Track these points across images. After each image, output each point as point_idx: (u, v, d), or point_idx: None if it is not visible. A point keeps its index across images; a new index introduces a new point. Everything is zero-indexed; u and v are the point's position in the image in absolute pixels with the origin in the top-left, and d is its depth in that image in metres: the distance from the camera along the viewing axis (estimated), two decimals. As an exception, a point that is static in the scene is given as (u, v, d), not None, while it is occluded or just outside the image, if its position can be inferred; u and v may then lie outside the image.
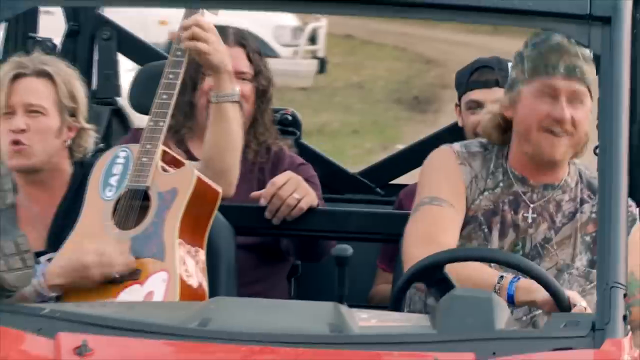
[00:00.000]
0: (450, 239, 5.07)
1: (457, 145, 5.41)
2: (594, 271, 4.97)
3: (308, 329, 4.43)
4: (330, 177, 6.21)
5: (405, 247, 5.19)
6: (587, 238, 5.12)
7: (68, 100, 5.17)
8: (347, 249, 5.08)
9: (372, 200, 6.51)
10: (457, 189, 5.15)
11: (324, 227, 5.83)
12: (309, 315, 4.61)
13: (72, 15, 6.38)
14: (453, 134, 6.87)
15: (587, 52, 5.03)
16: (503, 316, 4.50)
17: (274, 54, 25.17)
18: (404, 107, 28.29)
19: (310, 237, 5.98)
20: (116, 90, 6.15)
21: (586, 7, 4.62)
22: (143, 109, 6.18)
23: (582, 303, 4.84)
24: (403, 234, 5.34)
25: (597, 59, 4.78)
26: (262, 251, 5.95)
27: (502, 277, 4.90)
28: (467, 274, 4.88)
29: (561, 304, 4.77)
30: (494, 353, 4.27)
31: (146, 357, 4.28)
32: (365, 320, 4.64)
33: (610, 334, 4.34)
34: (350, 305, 5.17)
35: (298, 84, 26.03)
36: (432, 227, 5.11)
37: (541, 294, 4.85)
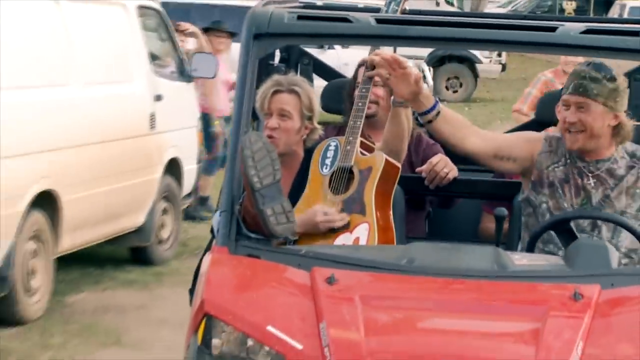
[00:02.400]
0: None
1: (552, 130, 5.90)
2: None
3: (482, 266, 4.92)
4: (446, 153, 6.47)
5: None
6: (638, 191, 5.41)
7: (307, 110, 5.71)
8: (504, 210, 5.57)
9: (476, 170, 6.69)
10: (529, 142, 5.69)
11: (458, 189, 6.22)
12: (480, 256, 5.10)
13: (284, 48, 6.81)
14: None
15: (601, 75, 5.37)
16: (615, 258, 4.94)
17: (479, 61, 32.26)
18: (550, 91, 32.40)
19: (450, 195, 6.39)
20: None
21: None
22: (329, 109, 6.86)
23: None
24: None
25: None
26: (412, 203, 6.32)
27: None
28: None
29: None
30: (612, 284, 4.74)
31: (374, 284, 4.83)
32: (518, 260, 4.99)
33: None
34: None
35: (491, 77, 34.73)
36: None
37: None
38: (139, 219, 10.94)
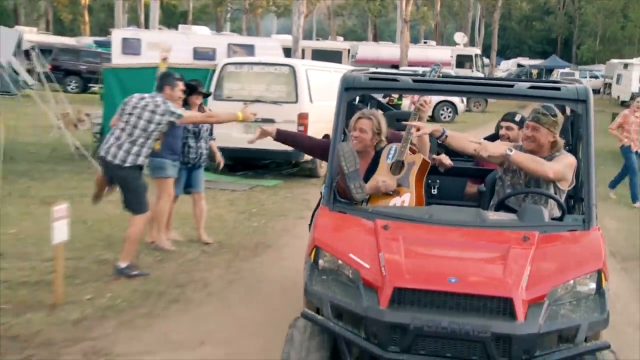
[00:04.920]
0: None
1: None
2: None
3: (471, 219, 4.22)
4: (446, 151, 5.43)
5: None
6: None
7: (377, 128, 4.94)
8: (483, 186, 4.87)
9: (463, 160, 5.72)
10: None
11: (455, 172, 5.27)
12: (469, 214, 4.36)
13: (361, 95, 5.93)
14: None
15: (549, 113, 4.53)
16: (546, 216, 4.21)
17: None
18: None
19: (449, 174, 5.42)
20: None
21: (576, 95, 4.32)
22: None
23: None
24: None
25: (579, 116, 4.41)
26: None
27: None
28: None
29: (561, 206, 4.38)
30: (545, 231, 4.08)
31: (410, 230, 4.09)
32: (492, 216, 4.30)
33: (592, 224, 4.15)
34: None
35: (492, 102, 31.68)
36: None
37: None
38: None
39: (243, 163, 13.32)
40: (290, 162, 13.22)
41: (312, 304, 3.90)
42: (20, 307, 5.83)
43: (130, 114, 6.64)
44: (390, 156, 4.87)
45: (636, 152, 12.12)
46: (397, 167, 4.81)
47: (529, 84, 4.54)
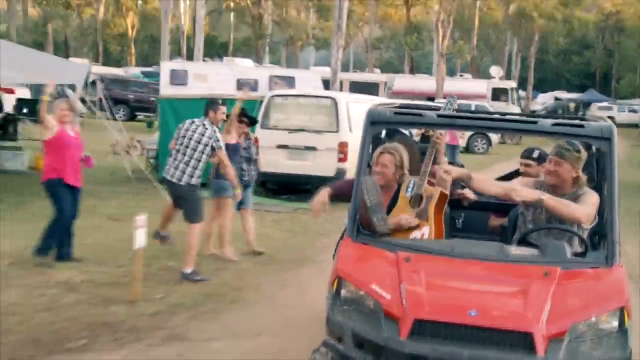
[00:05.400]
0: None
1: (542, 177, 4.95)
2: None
3: (493, 253, 4.17)
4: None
5: None
6: None
7: (399, 163, 4.86)
8: (506, 222, 4.82)
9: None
10: (527, 185, 4.58)
11: (478, 206, 5.16)
12: (492, 247, 4.30)
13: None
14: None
15: (572, 148, 4.44)
16: (568, 252, 4.17)
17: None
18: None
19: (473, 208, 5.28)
20: None
21: (600, 133, 4.24)
22: None
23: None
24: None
25: (604, 154, 4.33)
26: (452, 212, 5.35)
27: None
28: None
29: (584, 243, 4.31)
30: (566, 267, 4.01)
31: (431, 262, 4.05)
32: (514, 250, 4.24)
33: (615, 261, 4.07)
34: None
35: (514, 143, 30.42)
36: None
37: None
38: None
39: (286, 187, 14.03)
40: None
41: (334, 333, 3.89)
42: (105, 302, 6.86)
43: (183, 136, 7.71)
44: (409, 189, 4.81)
45: None
46: (416, 200, 4.74)
47: (552, 121, 4.50)
